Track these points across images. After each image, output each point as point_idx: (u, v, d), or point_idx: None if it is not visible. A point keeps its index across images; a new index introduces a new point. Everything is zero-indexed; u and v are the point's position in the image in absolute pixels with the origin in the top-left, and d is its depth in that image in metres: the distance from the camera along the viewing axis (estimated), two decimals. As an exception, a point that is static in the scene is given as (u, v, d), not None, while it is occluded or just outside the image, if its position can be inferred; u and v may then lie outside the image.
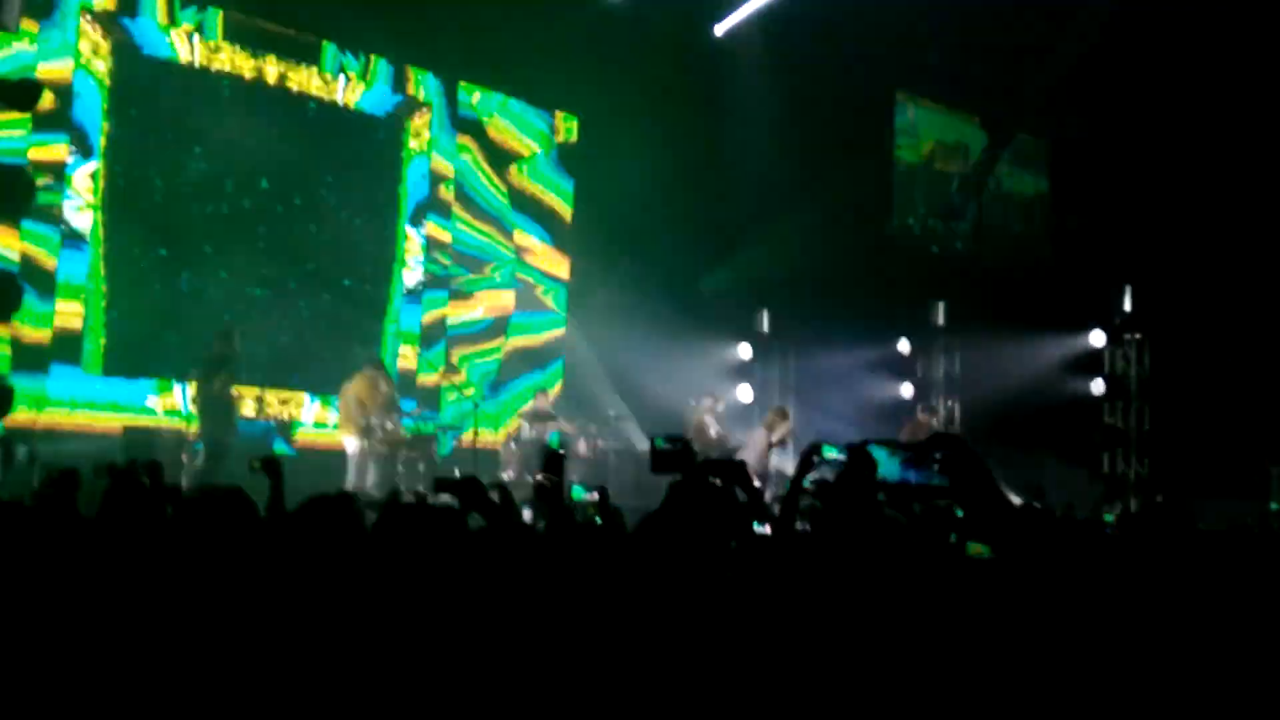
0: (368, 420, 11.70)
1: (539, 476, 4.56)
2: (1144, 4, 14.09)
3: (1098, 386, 17.00)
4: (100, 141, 11.96)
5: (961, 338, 16.83)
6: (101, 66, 11.98)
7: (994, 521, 2.83)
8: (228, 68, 12.84)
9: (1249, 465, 13.42)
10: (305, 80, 13.42)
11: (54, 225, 11.64)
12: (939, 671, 2.77)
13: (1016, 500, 8.53)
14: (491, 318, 14.97)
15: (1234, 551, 4.02)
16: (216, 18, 12.75)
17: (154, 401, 12.13)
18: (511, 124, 15.19)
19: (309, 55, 13.45)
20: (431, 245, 14.42)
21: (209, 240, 12.60)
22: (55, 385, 11.48)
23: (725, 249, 15.77)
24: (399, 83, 14.21)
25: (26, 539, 3.58)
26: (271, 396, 12.97)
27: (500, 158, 15.07)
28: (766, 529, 3.72)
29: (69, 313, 11.70)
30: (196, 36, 12.63)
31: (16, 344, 11.21)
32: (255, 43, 13.01)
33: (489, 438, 13.03)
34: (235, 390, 11.25)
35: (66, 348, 11.66)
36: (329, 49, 13.59)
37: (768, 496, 10.91)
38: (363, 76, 13.90)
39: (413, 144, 14.29)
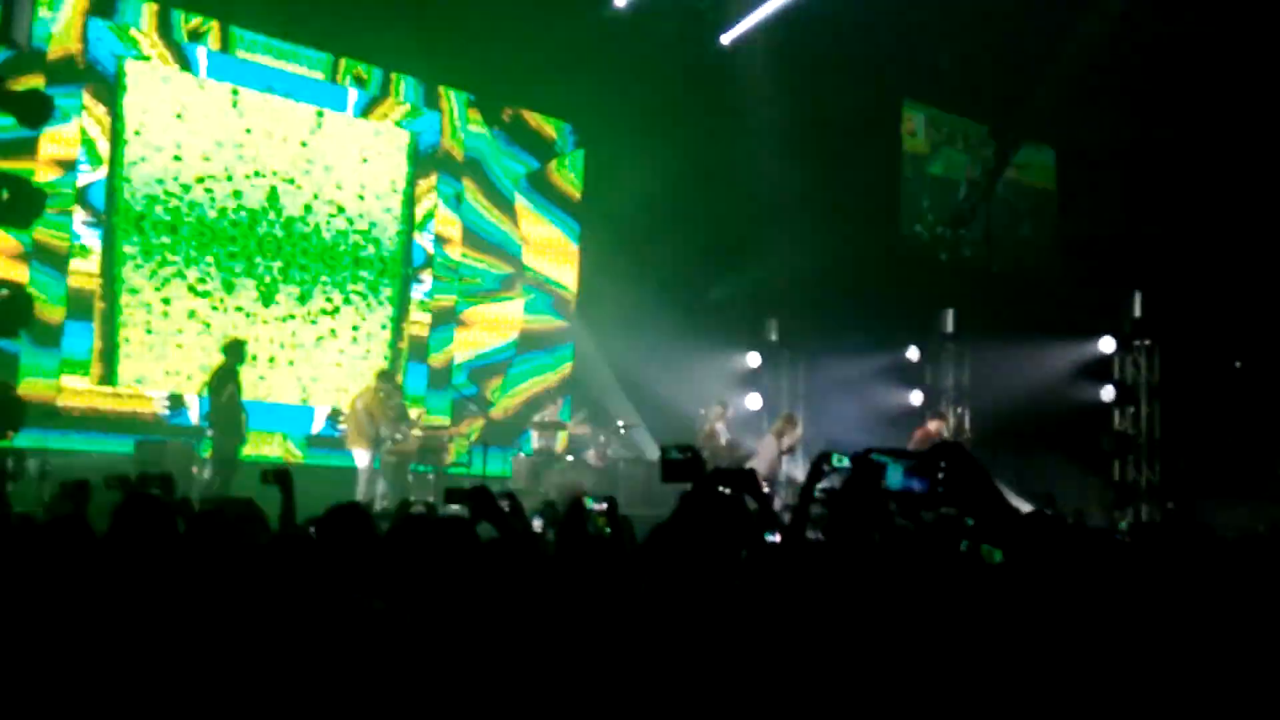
0: (377, 431, 11.72)
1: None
2: (1151, 10, 14.09)
3: (1108, 393, 16.94)
4: (108, 152, 12.03)
5: (971, 345, 16.78)
6: (111, 79, 12.06)
7: (998, 528, 2.83)
8: (233, 79, 12.90)
9: (1259, 470, 13.39)
10: (311, 93, 13.46)
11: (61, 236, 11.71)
12: (949, 680, 2.76)
13: (1025, 507, 8.51)
14: (502, 339, 15.00)
15: (1247, 558, 4.00)
16: (215, 28, 12.80)
17: (164, 413, 12.18)
18: (518, 134, 15.21)
19: (316, 67, 13.49)
20: (440, 251, 14.45)
21: (217, 252, 12.64)
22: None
23: (733, 258, 15.76)
24: (403, 95, 14.25)
25: (39, 554, 3.58)
26: (280, 410, 13.02)
27: (508, 168, 15.08)
28: (777, 538, 3.72)
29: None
30: (203, 50, 12.70)
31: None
32: (261, 57, 13.06)
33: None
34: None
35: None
36: (332, 61, 13.63)
37: (778, 504, 10.92)
38: (368, 88, 13.94)
39: (422, 152, 14.32)
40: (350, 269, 13.64)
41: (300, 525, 4.32)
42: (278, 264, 13.06)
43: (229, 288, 12.70)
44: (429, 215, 14.39)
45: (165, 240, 12.34)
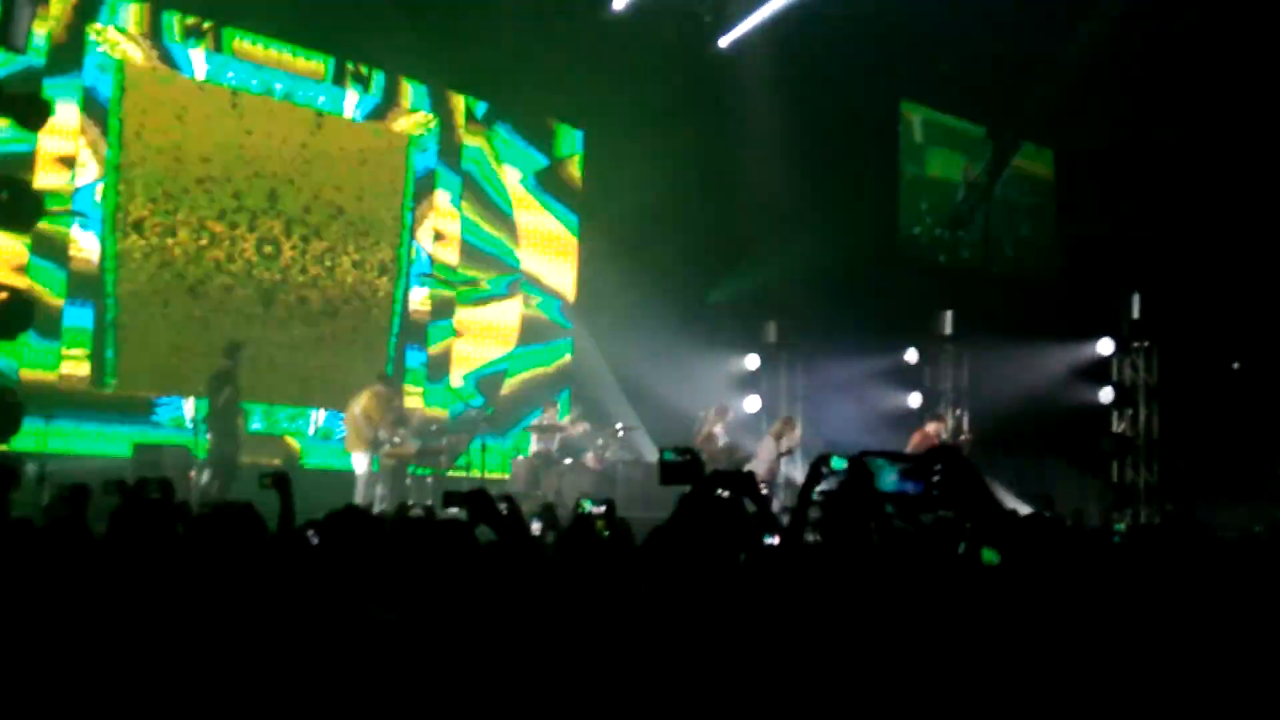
0: (376, 435, 11.71)
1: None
2: (1150, 12, 14.11)
3: (1106, 394, 16.96)
4: (107, 158, 12.03)
5: (969, 347, 16.79)
6: (109, 81, 12.06)
7: (993, 530, 2.84)
8: (230, 82, 12.89)
9: (1258, 471, 13.41)
10: (311, 95, 13.46)
11: (62, 242, 11.71)
12: (948, 680, 2.76)
13: (1024, 509, 8.52)
14: (505, 347, 15.00)
15: (1246, 559, 4.00)
16: (209, 32, 12.80)
17: (162, 418, 12.18)
18: (518, 137, 15.22)
19: (314, 69, 13.49)
20: (437, 255, 14.45)
21: (215, 257, 12.64)
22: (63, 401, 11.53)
23: (732, 260, 15.78)
24: (403, 97, 14.26)
25: (38, 557, 3.59)
26: (278, 413, 13.02)
27: (507, 171, 15.09)
28: (776, 540, 3.71)
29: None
30: (201, 52, 12.70)
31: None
32: (261, 58, 13.06)
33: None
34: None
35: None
36: (333, 63, 13.63)
37: (776, 506, 10.93)
38: (369, 90, 13.95)
39: (418, 159, 14.32)
40: (350, 269, 13.63)
41: (299, 529, 4.31)
42: (278, 263, 13.05)
43: (229, 288, 12.69)
44: (428, 216, 14.38)
45: (165, 240, 12.33)
